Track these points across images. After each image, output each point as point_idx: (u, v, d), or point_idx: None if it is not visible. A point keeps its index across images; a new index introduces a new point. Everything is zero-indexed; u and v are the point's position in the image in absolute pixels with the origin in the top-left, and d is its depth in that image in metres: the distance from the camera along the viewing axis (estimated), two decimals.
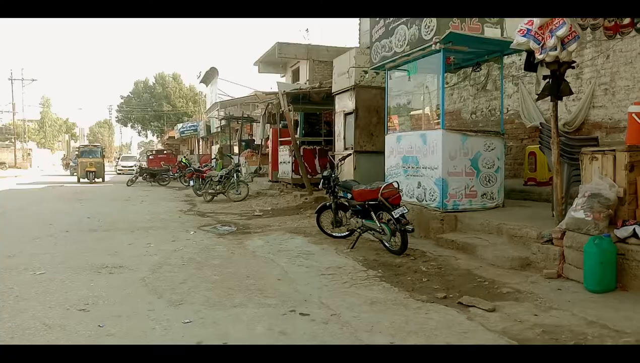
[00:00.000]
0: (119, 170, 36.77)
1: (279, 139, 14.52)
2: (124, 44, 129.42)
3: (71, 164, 33.29)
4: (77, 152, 26.54)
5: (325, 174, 7.31)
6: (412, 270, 5.24)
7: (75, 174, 28.50)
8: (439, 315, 3.76)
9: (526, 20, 4.97)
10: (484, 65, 8.47)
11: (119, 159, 45.45)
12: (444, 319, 3.68)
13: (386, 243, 6.14)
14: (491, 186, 7.11)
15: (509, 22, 6.81)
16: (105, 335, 3.41)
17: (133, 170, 32.37)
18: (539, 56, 4.96)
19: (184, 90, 58.34)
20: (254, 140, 20.71)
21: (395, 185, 6.23)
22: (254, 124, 22.21)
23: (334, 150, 11.34)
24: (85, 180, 22.70)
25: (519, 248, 5.44)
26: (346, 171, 9.65)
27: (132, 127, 62.25)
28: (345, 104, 10.64)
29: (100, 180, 23.53)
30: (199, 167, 18.96)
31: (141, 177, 21.92)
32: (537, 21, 4.83)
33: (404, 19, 7.35)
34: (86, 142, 57.04)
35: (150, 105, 56.66)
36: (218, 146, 26.21)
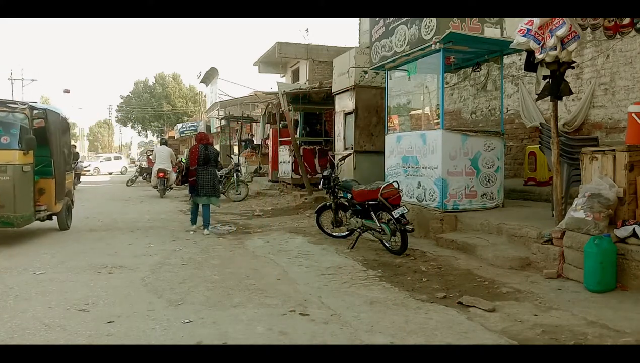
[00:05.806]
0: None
1: (279, 139, 14.52)
2: (124, 44, 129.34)
3: None
4: None
5: (325, 173, 7.31)
6: (412, 270, 5.24)
7: None
8: (439, 315, 3.76)
9: (526, 20, 4.98)
10: (484, 65, 8.47)
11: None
12: (444, 319, 3.68)
13: (386, 243, 6.14)
14: (491, 186, 7.11)
15: (509, 22, 6.81)
16: (105, 335, 3.41)
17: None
18: (539, 56, 4.97)
19: (184, 90, 58.31)
20: (253, 141, 20.72)
21: (395, 185, 6.23)
22: (254, 123, 22.21)
23: (334, 150, 11.34)
24: None
25: (518, 248, 5.44)
26: (346, 171, 9.64)
27: (132, 127, 62.15)
28: (345, 103, 10.64)
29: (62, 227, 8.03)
30: None
31: (141, 177, 21.91)
32: (537, 21, 4.83)
33: (404, 19, 7.35)
34: (86, 144, 41.62)
35: (150, 105, 56.60)
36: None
